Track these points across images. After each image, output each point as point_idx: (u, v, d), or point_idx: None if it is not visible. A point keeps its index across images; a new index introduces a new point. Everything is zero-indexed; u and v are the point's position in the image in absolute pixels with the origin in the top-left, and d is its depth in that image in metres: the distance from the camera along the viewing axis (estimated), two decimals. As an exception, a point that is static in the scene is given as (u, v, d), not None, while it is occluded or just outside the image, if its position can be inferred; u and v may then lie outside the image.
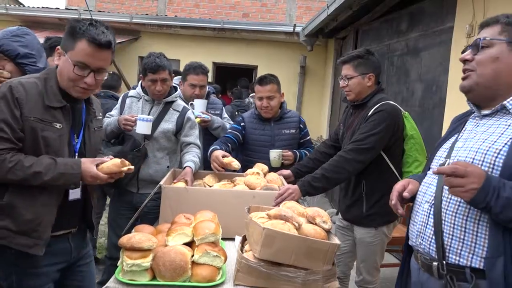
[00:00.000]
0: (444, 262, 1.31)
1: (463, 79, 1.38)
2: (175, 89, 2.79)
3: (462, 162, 1.22)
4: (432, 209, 1.36)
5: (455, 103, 3.36)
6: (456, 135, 1.45)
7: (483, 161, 1.25)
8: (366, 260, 2.41)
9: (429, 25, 3.93)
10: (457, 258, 1.28)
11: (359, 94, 2.37)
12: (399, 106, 2.32)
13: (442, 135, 3.70)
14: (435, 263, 1.34)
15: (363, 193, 2.32)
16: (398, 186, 1.51)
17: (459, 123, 1.51)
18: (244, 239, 1.71)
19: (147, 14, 8.08)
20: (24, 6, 10.09)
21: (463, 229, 1.27)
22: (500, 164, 1.22)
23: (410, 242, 1.51)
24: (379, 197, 2.31)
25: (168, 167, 2.63)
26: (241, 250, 1.62)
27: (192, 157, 2.54)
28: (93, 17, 6.00)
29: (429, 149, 2.41)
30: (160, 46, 7.91)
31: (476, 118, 1.41)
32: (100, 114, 1.83)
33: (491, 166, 1.24)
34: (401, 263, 1.62)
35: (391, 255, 4.15)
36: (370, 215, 2.32)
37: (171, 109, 2.68)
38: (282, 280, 1.48)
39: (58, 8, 7.79)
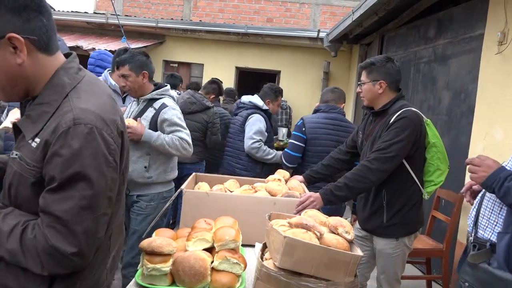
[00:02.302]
0: (473, 235, 1.66)
1: None
2: (162, 86, 2.70)
3: (484, 156, 1.61)
4: (481, 198, 1.70)
5: (485, 112, 3.25)
6: None
7: None
8: (387, 272, 2.35)
9: (458, 32, 3.83)
10: (483, 233, 1.61)
11: (371, 101, 2.36)
12: (421, 113, 2.26)
13: (471, 144, 3.60)
14: (470, 237, 1.68)
15: (383, 203, 2.27)
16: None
17: None
18: (265, 247, 1.68)
19: (172, 19, 8.20)
20: (54, 9, 10.40)
21: (491, 210, 1.61)
22: None
23: None
24: (401, 207, 2.25)
25: (145, 167, 2.56)
26: (261, 258, 1.60)
27: (165, 134, 2.55)
28: (120, 21, 6.13)
29: (453, 158, 2.35)
30: (184, 50, 8.03)
31: None
32: (35, 140, 1.05)
33: None
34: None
35: (414, 267, 4.04)
36: (391, 225, 2.26)
37: (151, 107, 2.63)
38: (302, 291, 1.45)
39: (87, 12, 8.00)
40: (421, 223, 2.37)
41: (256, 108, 3.63)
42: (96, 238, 1.06)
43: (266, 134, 3.54)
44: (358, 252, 1.55)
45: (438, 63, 4.18)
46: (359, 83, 2.42)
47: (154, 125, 2.59)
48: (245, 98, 3.74)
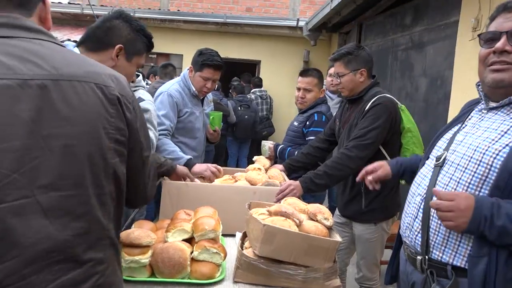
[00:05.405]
0: (426, 257, 1.31)
1: (497, 70, 1.25)
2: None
3: (450, 194, 1.20)
4: (423, 203, 1.34)
5: (460, 98, 3.31)
6: (459, 126, 1.40)
7: (480, 161, 1.21)
8: (366, 257, 2.39)
9: (434, 19, 3.88)
10: (440, 255, 1.27)
11: (352, 90, 2.36)
12: (395, 99, 2.29)
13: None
14: (419, 257, 1.33)
15: (362, 189, 2.29)
16: (369, 167, 1.72)
17: (466, 111, 1.45)
18: (245, 236, 1.69)
19: (149, 9, 8.05)
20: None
21: None
22: (498, 166, 1.16)
23: (400, 232, 1.50)
24: (378, 192, 2.27)
25: None
26: (241, 246, 1.60)
27: None
28: (95, 12, 5.94)
29: (428, 143, 2.39)
30: (162, 41, 7.89)
31: (483, 110, 1.34)
32: None
33: (488, 167, 1.19)
34: (393, 251, 1.61)
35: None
36: (369, 211, 2.29)
37: None
38: (282, 278, 1.46)
39: (61, 3, 7.78)
40: (398, 208, 2.41)
41: None
42: None
43: None
44: (337, 238, 1.57)
45: (415, 50, 4.23)
46: (337, 75, 2.35)
47: None
48: None
